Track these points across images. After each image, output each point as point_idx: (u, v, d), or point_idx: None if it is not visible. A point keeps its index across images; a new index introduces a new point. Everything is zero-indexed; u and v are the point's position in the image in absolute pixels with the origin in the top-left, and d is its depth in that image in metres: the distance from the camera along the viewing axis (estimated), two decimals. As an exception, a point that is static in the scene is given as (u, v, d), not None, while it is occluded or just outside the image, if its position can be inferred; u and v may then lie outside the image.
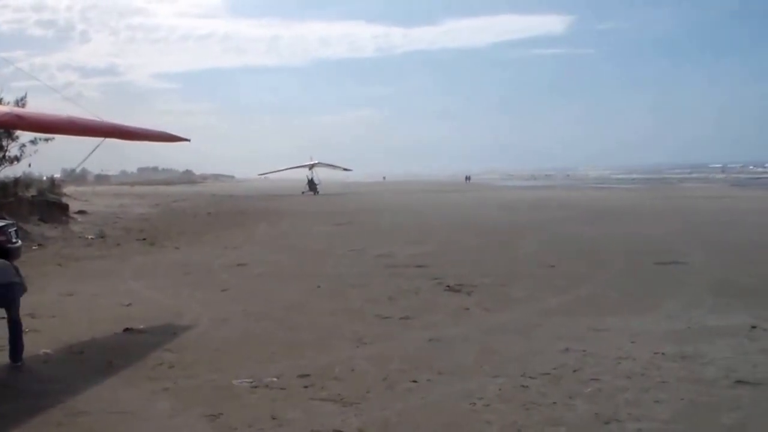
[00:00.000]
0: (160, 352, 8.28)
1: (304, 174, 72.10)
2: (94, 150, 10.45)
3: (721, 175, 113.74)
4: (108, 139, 10.22)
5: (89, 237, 21.97)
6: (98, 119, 9.63)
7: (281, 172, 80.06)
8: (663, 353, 7.90)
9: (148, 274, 14.66)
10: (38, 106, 27.24)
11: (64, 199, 29.04)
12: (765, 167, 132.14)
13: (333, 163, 76.17)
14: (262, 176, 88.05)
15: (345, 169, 78.95)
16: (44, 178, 33.15)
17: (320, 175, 70.14)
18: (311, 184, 67.05)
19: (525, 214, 32.90)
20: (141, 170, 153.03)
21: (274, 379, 7.12)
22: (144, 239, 21.89)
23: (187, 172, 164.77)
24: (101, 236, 22.30)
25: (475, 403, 6.34)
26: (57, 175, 35.32)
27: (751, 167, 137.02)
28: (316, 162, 71.16)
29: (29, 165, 30.45)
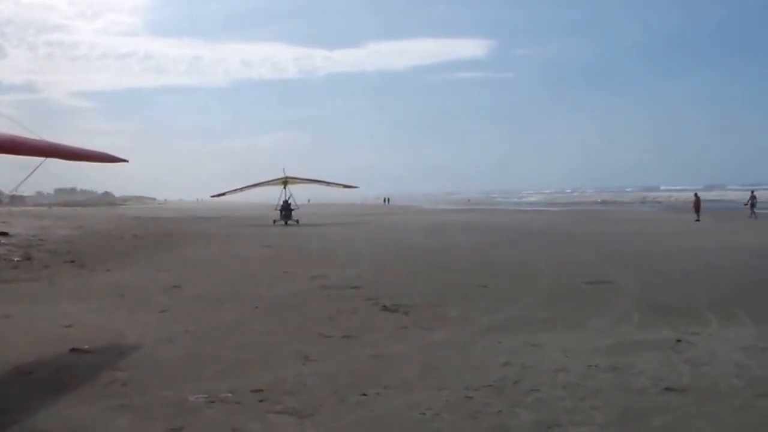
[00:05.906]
0: (111, 371, 8.33)
1: (267, 191, 57.59)
2: (34, 170, 10.29)
3: (627, 200, 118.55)
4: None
5: (15, 259, 21.46)
6: (39, 138, 9.55)
7: (243, 191, 57.81)
8: (596, 365, 8.37)
9: (82, 297, 14.51)
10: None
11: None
12: (660, 190, 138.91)
13: (319, 178, 56.38)
14: (217, 198, 61.77)
15: (346, 186, 58.37)
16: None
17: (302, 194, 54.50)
18: (285, 210, 49.19)
19: (451, 236, 33.72)
20: (58, 191, 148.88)
21: (229, 394, 7.29)
22: (72, 261, 21.50)
23: (106, 193, 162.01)
24: (27, 258, 21.81)
25: (424, 414, 6.66)
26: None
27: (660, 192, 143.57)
28: (287, 177, 51.29)
29: None
